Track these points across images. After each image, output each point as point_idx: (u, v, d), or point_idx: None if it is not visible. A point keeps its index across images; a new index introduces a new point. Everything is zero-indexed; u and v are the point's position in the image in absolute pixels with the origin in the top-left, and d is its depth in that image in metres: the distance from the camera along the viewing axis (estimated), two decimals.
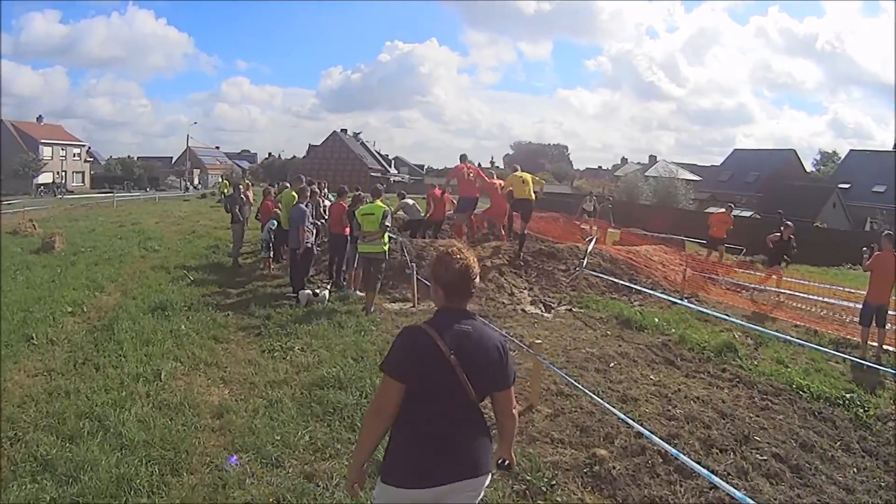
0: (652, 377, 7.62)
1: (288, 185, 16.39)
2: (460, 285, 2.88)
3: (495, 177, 15.55)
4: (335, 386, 6.66)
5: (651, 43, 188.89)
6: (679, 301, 11.87)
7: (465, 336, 2.81)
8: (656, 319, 10.48)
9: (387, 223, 10.39)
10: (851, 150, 60.09)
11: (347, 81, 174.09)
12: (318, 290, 10.69)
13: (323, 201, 13.61)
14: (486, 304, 11.19)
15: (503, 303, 11.41)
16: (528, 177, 13.57)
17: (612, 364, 7.99)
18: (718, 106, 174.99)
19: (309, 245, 11.02)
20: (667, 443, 5.21)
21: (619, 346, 8.94)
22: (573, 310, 11.38)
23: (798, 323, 11.52)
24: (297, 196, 11.83)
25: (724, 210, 18.64)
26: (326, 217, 12.76)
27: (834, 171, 64.59)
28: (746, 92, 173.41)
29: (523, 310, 11.13)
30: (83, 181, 73.55)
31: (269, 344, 8.30)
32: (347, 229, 11.52)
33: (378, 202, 10.62)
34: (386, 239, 10.59)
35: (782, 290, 14.12)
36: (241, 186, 16.71)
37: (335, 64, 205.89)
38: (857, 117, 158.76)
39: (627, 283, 12.75)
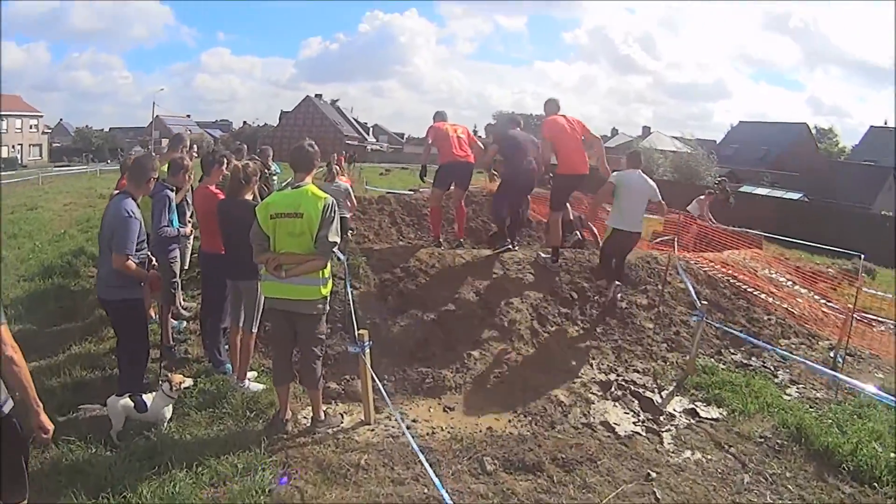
0: None
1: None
2: None
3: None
4: None
5: (628, 16, 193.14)
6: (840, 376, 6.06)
7: None
8: (877, 446, 5.06)
9: (331, 237, 4.38)
10: (872, 127, 55.25)
11: (326, 52, 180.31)
12: (147, 395, 4.68)
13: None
14: (520, 399, 5.41)
15: (559, 401, 5.53)
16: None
17: None
18: (695, 80, 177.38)
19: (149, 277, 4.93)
20: None
21: None
22: (698, 409, 5.64)
23: None
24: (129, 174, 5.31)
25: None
26: None
27: (845, 150, 61.36)
28: (723, 67, 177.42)
29: (604, 423, 5.28)
30: (41, 154, 68.98)
31: None
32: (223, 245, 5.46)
33: (309, 183, 4.52)
34: (328, 273, 4.62)
35: None
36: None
37: (314, 34, 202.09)
38: (834, 96, 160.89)
39: (762, 343, 6.86)
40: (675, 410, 5.65)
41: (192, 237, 6.77)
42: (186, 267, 7.14)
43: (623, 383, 6.00)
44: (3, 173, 41.33)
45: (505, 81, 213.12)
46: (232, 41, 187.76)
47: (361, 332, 4.67)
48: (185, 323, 6.82)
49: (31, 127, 67.96)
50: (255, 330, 5.27)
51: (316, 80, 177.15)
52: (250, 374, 5.40)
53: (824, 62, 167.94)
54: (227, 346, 5.68)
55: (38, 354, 6.08)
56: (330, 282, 4.62)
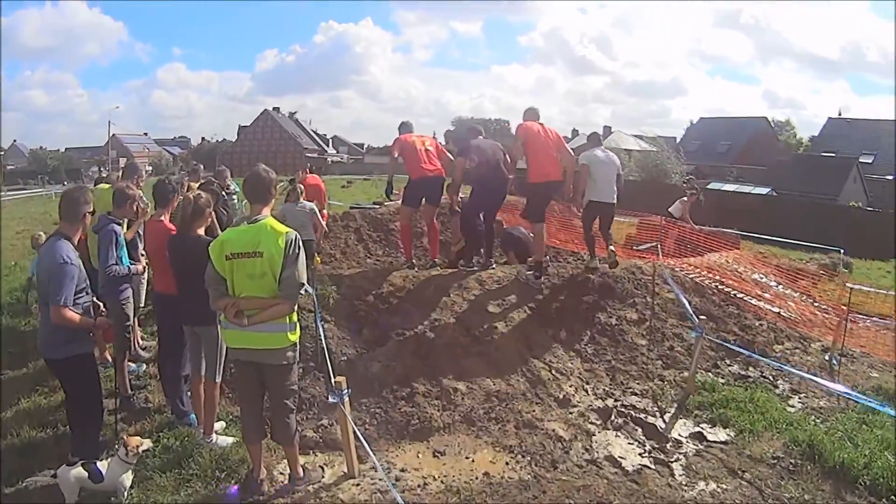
0: None
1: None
2: None
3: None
4: None
5: (582, 17, 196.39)
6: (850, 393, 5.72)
7: None
8: (890, 456, 4.86)
9: (297, 277, 3.82)
10: (830, 118, 56.08)
11: (283, 64, 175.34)
12: (102, 462, 4.13)
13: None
14: (515, 436, 4.99)
15: (558, 436, 5.11)
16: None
17: None
18: (653, 78, 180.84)
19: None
20: None
21: None
22: (705, 432, 5.32)
23: None
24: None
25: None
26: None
27: (802, 141, 62.51)
28: (679, 64, 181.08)
29: (609, 458, 4.88)
30: None
31: None
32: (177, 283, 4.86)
33: (267, 216, 3.94)
34: (294, 318, 4.02)
35: None
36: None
37: (270, 46, 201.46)
38: (789, 89, 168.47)
39: (761, 358, 6.62)
40: (680, 436, 5.31)
41: (146, 272, 6.15)
42: (142, 304, 6.55)
43: (623, 409, 5.62)
44: None
45: (463, 87, 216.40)
46: (187, 56, 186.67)
47: (338, 379, 4.13)
48: (143, 366, 6.22)
49: None
50: (218, 379, 4.70)
51: (273, 93, 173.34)
52: (217, 426, 4.86)
53: (777, 56, 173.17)
54: (189, 394, 5.12)
55: None
56: (298, 326, 4.04)
